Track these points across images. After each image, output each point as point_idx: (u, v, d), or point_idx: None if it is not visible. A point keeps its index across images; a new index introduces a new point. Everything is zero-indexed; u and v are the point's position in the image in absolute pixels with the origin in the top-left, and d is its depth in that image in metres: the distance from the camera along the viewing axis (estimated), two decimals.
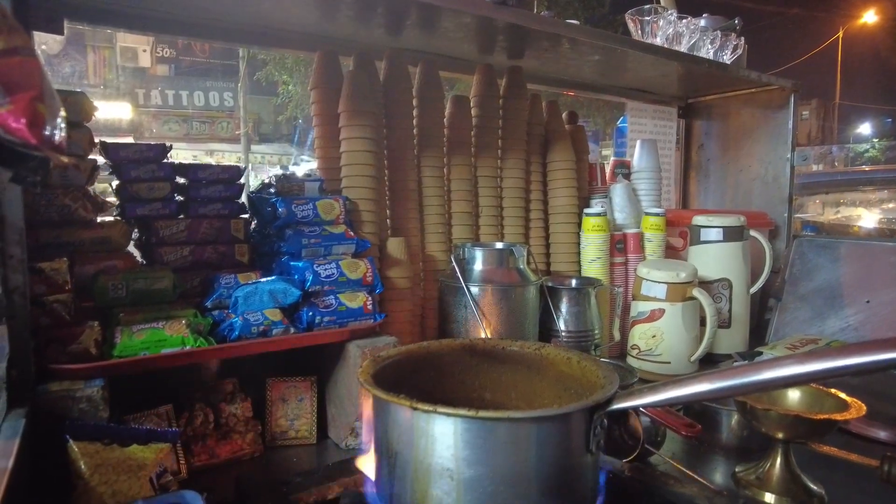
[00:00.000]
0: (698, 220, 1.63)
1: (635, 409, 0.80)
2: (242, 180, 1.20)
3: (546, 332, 1.40)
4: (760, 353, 1.53)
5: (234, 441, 1.02)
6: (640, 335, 1.46)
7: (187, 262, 1.11)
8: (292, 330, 1.00)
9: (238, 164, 1.20)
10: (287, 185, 1.19)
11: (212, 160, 15.63)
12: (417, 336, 1.38)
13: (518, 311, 1.30)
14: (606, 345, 1.50)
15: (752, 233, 1.63)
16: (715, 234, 1.60)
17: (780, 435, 0.91)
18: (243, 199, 1.21)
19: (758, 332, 1.77)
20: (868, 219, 5.21)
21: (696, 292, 1.41)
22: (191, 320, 0.94)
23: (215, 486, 0.91)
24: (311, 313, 1.03)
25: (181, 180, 1.15)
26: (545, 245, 1.67)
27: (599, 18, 12.32)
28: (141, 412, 0.94)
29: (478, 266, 1.30)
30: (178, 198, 1.15)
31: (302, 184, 1.21)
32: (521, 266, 1.33)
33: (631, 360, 1.49)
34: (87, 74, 13.47)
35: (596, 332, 1.45)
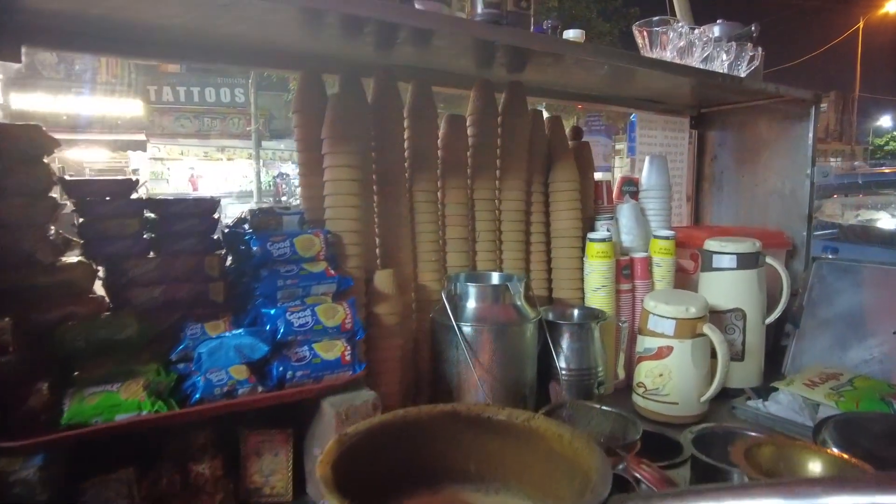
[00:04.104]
0: (711, 245, 1.53)
1: None
2: (217, 215, 1.12)
3: (545, 370, 1.31)
4: (776, 390, 1.43)
5: (205, 501, 0.95)
6: (646, 373, 1.36)
7: (158, 302, 1.04)
8: (260, 388, 0.92)
9: (212, 197, 1.12)
10: (263, 220, 1.11)
11: (223, 157, 15.65)
12: (409, 377, 1.30)
13: (514, 352, 1.22)
14: (611, 383, 1.41)
15: (769, 260, 1.52)
16: (728, 260, 1.49)
17: None
18: (218, 234, 1.13)
19: (773, 359, 1.66)
20: (888, 222, 5.04)
21: (706, 329, 1.31)
22: (151, 379, 0.87)
23: None
24: (281, 368, 0.95)
25: (151, 215, 1.08)
26: (547, 271, 1.57)
27: (613, 11, 12.09)
28: (100, 476, 0.87)
29: (471, 303, 1.21)
30: (149, 235, 1.08)
31: (279, 218, 1.13)
32: (518, 302, 1.24)
33: (636, 399, 1.40)
34: (99, 72, 13.50)
35: (599, 368, 1.36)
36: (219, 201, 1.12)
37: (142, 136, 12.99)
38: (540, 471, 0.77)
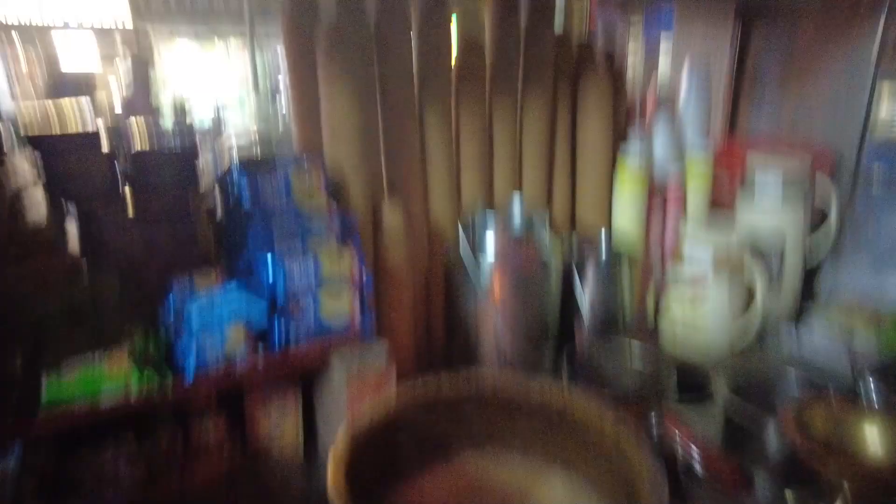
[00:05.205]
0: (755, 162, 1.37)
1: None
2: (199, 163, 0.98)
3: (569, 310, 1.21)
4: (809, 317, 1.34)
5: (209, 460, 0.90)
6: (676, 302, 1.27)
7: (138, 250, 0.93)
8: (261, 351, 0.83)
9: (192, 149, 0.97)
10: (255, 165, 0.97)
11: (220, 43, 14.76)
12: (421, 316, 1.21)
13: (537, 298, 1.12)
14: (637, 322, 1.32)
15: (819, 181, 1.37)
16: (772, 181, 1.34)
17: (845, 486, 0.75)
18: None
19: (808, 284, 1.55)
20: None
21: (747, 259, 1.20)
22: (138, 345, 0.77)
23: None
24: (283, 327, 0.85)
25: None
26: (571, 194, 1.43)
27: None
28: (97, 448, 0.81)
29: (490, 249, 1.09)
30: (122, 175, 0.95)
31: (273, 161, 0.98)
32: (542, 244, 1.11)
33: (665, 328, 1.31)
34: None
35: (626, 305, 1.26)
36: (197, 153, 0.98)
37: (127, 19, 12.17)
38: (575, 455, 0.70)
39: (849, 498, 0.76)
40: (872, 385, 1.03)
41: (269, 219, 0.91)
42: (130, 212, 0.91)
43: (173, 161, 0.97)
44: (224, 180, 0.98)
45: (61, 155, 0.88)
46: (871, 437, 0.78)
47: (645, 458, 0.59)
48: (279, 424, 0.97)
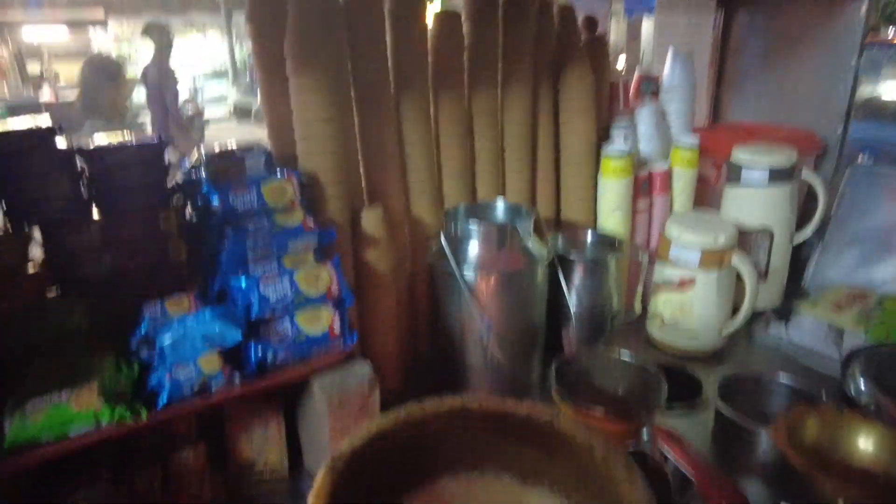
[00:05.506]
0: (739, 155, 1.35)
1: None
2: (167, 159, 0.93)
3: (556, 309, 1.19)
4: (797, 312, 1.34)
5: (191, 492, 0.87)
6: (664, 305, 1.25)
7: (108, 274, 0.88)
8: (237, 379, 0.80)
9: (161, 140, 0.92)
10: (222, 167, 0.92)
11: (193, 30, 14.42)
12: (406, 327, 1.18)
13: (524, 298, 1.09)
14: (624, 316, 1.30)
15: (806, 174, 1.36)
16: (759, 175, 1.32)
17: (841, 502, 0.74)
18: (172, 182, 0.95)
19: (794, 275, 1.55)
20: None
21: (735, 260, 1.18)
22: (106, 380, 0.74)
23: None
24: (259, 350, 0.82)
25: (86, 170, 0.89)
26: (555, 190, 1.40)
27: None
28: (68, 485, 0.77)
29: (473, 247, 1.06)
30: (87, 194, 0.89)
31: (241, 162, 0.94)
32: (528, 242, 1.09)
33: (652, 330, 1.30)
34: None
35: (614, 303, 1.25)
36: (166, 144, 0.92)
37: (99, 13, 11.85)
38: (563, 474, 0.68)
39: None
40: (862, 383, 1.03)
41: (242, 239, 0.87)
42: (98, 230, 0.86)
43: (140, 157, 0.90)
44: (192, 188, 0.93)
45: (9, 157, 0.82)
46: (865, 446, 0.77)
47: (636, 487, 0.57)
48: (262, 448, 0.94)
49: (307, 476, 0.96)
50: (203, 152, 0.94)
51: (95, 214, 0.89)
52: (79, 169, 0.87)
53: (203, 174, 0.91)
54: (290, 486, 0.94)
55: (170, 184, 0.94)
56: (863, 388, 1.03)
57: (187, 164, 0.95)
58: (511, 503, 0.70)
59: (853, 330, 1.24)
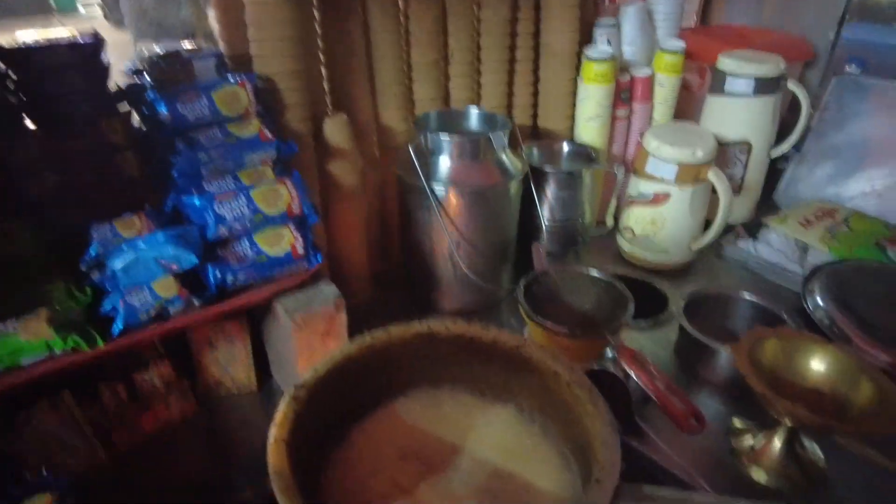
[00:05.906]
0: (725, 63, 1.28)
1: None
2: (105, 60, 0.83)
3: (528, 221, 1.17)
4: (766, 227, 1.34)
5: (158, 409, 0.87)
6: (636, 219, 1.24)
7: (52, 193, 0.81)
8: (196, 302, 0.77)
9: (94, 35, 0.82)
10: (168, 71, 0.83)
11: None
12: (375, 241, 1.15)
13: (496, 213, 1.06)
14: (596, 229, 1.29)
15: (791, 84, 1.30)
16: (744, 85, 1.27)
17: (787, 422, 0.77)
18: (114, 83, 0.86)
19: (768, 188, 1.54)
20: None
21: (712, 175, 1.16)
22: (58, 307, 0.70)
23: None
24: (218, 273, 0.78)
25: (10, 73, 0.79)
26: (533, 94, 1.33)
27: None
28: (29, 411, 0.76)
29: (444, 160, 1.01)
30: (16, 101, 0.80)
31: (189, 64, 0.85)
32: (502, 156, 1.04)
33: (622, 243, 1.30)
34: None
35: (587, 216, 1.23)
36: (102, 41, 0.82)
37: None
38: (527, 395, 0.69)
39: (787, 435, 0.79)
40: (819, 300, 1.06)
41: (194, 152, 0.80)
42: (36, 142, 0.78)
43: (73, 57, 0.81)
44: (136, 94, 0.85)
45: None
46: (817, 367, 0.79)
47: (600, 417, 0.58)
48: (229, 364, 0.94)
49: (277, 391, 0.97)
50: (145, 53, 0.84)
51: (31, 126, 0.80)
52: (1, 71, 0.77)
53: (147, 79, 0.83)
54: (260, 399, 0.95)
55: (112, 89, 0.86)
56: (820, 304, 1.06)
57: (130, 67, 0.85)
58: (466, 416, 0.71)
59: (817, 247, 1.26)
